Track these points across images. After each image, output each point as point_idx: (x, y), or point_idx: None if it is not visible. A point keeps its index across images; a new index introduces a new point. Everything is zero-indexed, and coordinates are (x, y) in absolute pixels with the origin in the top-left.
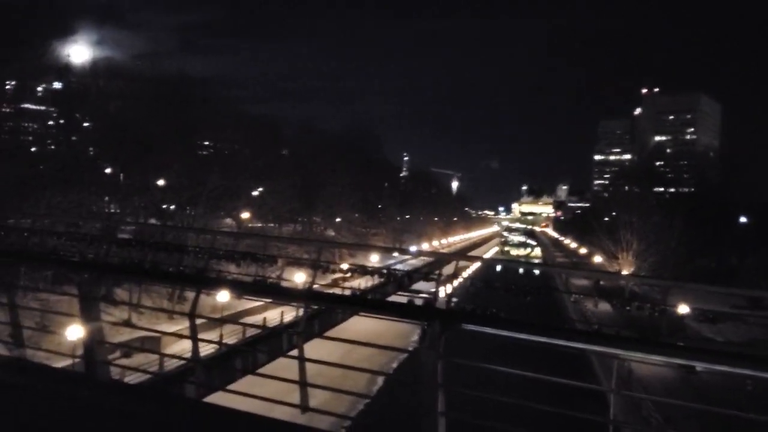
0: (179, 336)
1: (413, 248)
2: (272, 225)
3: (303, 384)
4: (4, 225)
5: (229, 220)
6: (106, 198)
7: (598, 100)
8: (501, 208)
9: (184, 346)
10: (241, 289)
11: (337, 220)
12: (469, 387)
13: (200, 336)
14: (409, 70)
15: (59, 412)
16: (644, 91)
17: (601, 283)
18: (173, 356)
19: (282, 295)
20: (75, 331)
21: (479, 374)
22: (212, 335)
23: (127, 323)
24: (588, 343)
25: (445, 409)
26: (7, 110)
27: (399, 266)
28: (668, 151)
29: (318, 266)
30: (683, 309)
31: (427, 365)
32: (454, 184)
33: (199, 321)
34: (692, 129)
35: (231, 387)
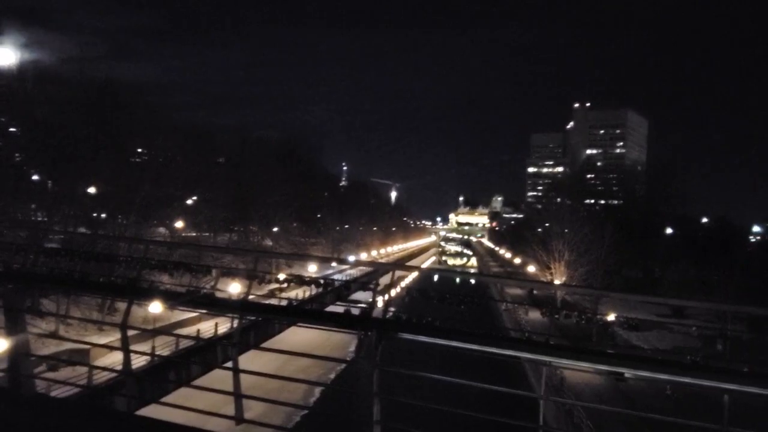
0: (110, 348)
1: (351, 258)
2: (207, 234)
3: (238, 395)
4: None
5: (162, 230)
6: (33, 206)
7: (532, 114)
8: (439, 219)
9: (114, 359)
10: (174, 299)
11: (275, 229)
12: (405, 395)
13: (132, 348)
14: (348, 80)
15: None
16: (576, 105)
17: (535, 292)
18: (103, 368)
19: (217, 305)
20: None
21: (415, 383)
22: (144, 347)
23: (55, 335)
24: (519, 350)
25: (381, 418)
26: None
27: (337, 277)
28: (599, 164)
29: (254, 276)
30: (612, 317)
31: (363, 374)
32: (393, 195)
33: (131, 332)
34: (621, 143)
35: (164, 399)
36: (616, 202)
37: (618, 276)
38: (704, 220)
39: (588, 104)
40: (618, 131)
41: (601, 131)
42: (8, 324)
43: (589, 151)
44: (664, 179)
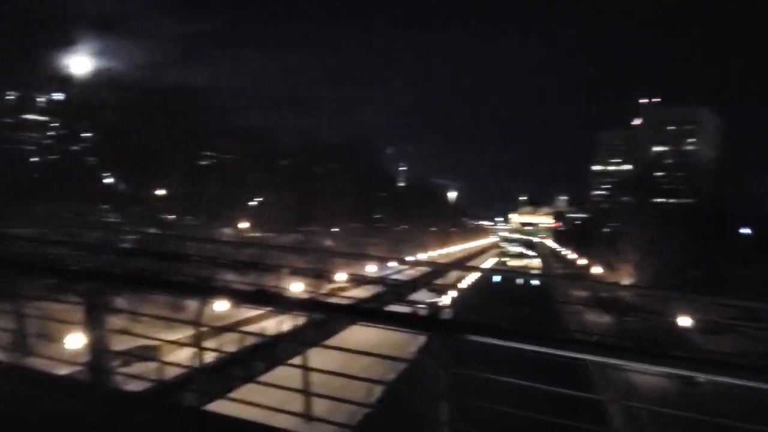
0: (180, 344)
1: (410, 258)
2: (271, 235)
3: (308, 393)
4: (6, 234)
5: (227, 230)
6: (106, 207)
7: (597, 111)
8: (499, 219)
9: (182, 355)
10: (245, 298)
11: (335, 229)
12: (471, 397)
13: (200, 345)
14: (410, 80)
15: (65, 420)
16: (644, 101)
17: (601, 294)
18: (177, 364)
19: (286, 304)
20: (75, 340)
21: (480, 384)
22: (211, 344)
23: (127, 332)
24: (589, 353)
25: (449, 419)
26: (9, 121)
27: (396, 276)
28: (667, 161)
29: (321, 275)
30: (683, 320)
31: (431, 375)
32: (452, 194)
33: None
34: (692, 140)
35: (232, 395)
36: (685, 200)
37: (687, 277)
38: None
39: (656, 100)
40: (688, 128)
41: (671, 128)
42: (89, 321)
43: (657, 148)
44: (738, 177)
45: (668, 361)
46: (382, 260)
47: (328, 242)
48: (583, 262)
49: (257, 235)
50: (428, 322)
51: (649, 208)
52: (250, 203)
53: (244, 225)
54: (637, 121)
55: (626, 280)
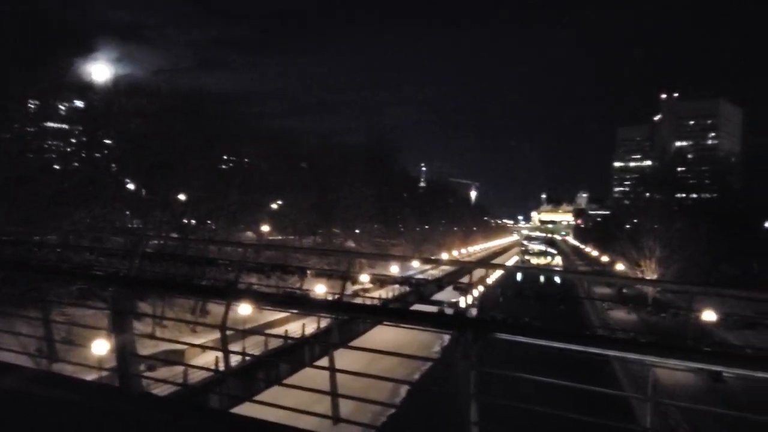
0: (205, 348)
1: (434, 258)
2: (292, 237)
3: (335, 395)
4: (35, 241)
5: (249, 233)
6: (128, 213)
7: (617, 107)
8: (520, 217)
9: (207, 359)
10: (271, 300)
11: (357, 231)
12: (500, 396)
13: (226, 348)
14: (427, 80)
15: (94, 425)
16: (663, 96)
17: (624, 290)
18: (203, 368)
19: (312, 306)
20: (102, 345)
21: (509, 384)
22: (236, 347)
23: (153, 336)
24: (620, 349)
25: (479, 419)
26: (31, 129)
27: (420, 276)
28: (689, 156)
29: (346, 277)
30: (709, 315)
31: (460, 375)
32: (473, 194)
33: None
34: (713, 134)
35: (257, 398)
36: (708, 195)
37: (715, 273)
38: None
39: (676, 94)
40: (709, 121)
41: (692, 122)
42: (116, 325)
43: (678, 143)
44: (762, 170)
45: (695, 356)
46: (404, 260)
47: (350, 243)
48: (605, 259)
49: (278, 237)
50: (455, 320)
51: (673, 204)
52: (271, 206)
53: (265, 228)
54: (657, 117)
55: (650, 277)
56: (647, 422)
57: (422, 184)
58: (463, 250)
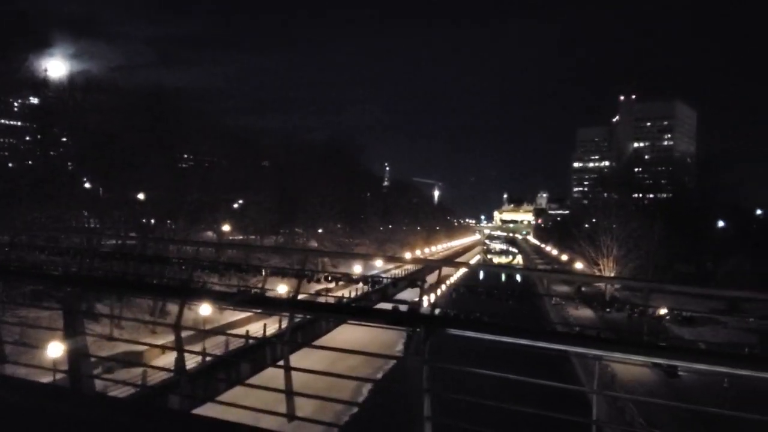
0: (164, 348)
1: (397, 257)
2: (253, 237)
3: (290, 393)
4: None
5: (209, 233)
6: (85, 212)
7: (578, 108)
8: (483, 217)
9: (167, 360)
10: (227, 300)
11: (320, 231)
12: (454, 391)
13: (184, 348)
14: (389, 80)
15: (45, 427)
16: (621, 98)
17: (583, 288)
18: (158, 368)
19: (269, 305)
20: (56, 347)
21: (464, 378)
22: (196, 348)
23: (110, 337)
24: (570, 344)
25: (432, 414)
26: None
27: (382, 275)
28: (646, 157)
29: (303, 275)
30: (663, 312)
31: (413, 371)
32: (436, 194)
33: (183, 334)
34: (669, 135)
35: (218, 398)
36: (665, 195)
37: (670, 271)
38: (758, 212)
39: (634, 96)
40: (666, 123)
41: (648, 123)
42: (68, 326)
43: (636, 144)
44: (716, 170)
45: (650, 351)
46: (368, 259)
47: (313, 243)
48: (564, 257)
49: (239, 237)
50: (408, 317)
51: (630, 204)
52: (233, 205)
53: (226, 228)
54: (615, 118)
55: (608, 275)
56: (593, 414)
57: (386, 184)
58: (427, 250)
